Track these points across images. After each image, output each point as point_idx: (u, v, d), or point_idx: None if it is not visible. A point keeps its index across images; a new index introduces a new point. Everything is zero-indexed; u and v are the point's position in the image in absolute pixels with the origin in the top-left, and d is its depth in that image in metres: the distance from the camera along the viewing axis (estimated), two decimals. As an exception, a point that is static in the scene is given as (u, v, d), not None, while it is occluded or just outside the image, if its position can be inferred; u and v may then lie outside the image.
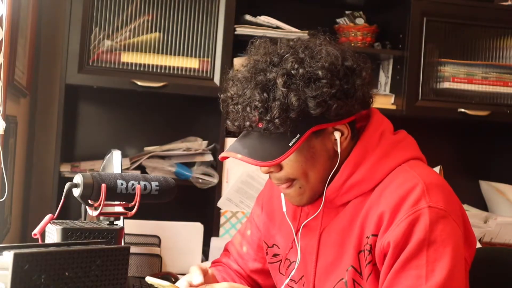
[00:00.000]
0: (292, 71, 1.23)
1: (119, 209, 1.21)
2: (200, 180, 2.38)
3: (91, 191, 1.15)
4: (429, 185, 1.21)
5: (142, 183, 1.20)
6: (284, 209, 1.41)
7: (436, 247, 1.17)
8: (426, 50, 2.46)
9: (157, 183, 1.23)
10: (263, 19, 2.42)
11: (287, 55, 1.25)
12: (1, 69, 1.58)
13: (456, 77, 2.50)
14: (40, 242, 1.15)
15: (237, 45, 2.33)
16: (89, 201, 1.17)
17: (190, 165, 2.44)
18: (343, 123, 1.27)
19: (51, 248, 0.98)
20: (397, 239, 1.18)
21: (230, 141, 2.33)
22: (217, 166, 2.40)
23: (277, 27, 2.42)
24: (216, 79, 2.32)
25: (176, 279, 1.82)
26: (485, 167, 2.85)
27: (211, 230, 2.36)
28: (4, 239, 1.96)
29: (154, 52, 2.30)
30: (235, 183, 2.36)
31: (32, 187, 2.56)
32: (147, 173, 2.35)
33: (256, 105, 1.22)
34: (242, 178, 2.36)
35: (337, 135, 1.27)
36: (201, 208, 2.53)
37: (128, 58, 2.27)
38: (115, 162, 1.55)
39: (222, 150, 2.35)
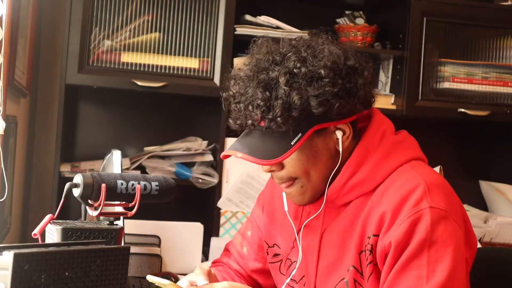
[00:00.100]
0: (295, 70, 1.23)
1: (119, 209, 1.21)
2: (200, 180, 2.38)
3: (91, 191, 1.15)
4: (430, 186, 1.22)
5: (142, 183, 1.20)
6: (286, 208, 1.41)
7: (437, 247, 1.17)
8: (426, 50, 2.46)
9: (157, 183, 1.23)
10: (263, 19, 2.42)
11: (290, 54, 1.26)
12: (1, 69, 1.58)
13: (456, 77, 2.50)
14: (40, 242, 1.15)
15: (237, 45, 2.33)
16: (89, 201, 1.17)
17: (190, 165, 2.44)
18: (345, 122, 1.27)
19: (51, 248, 0.98)
20: (398, 239, 1.18)
21: (230, 141, 2.33)
22: (217, 166, 2.40)
23: (277, 27, 2.42)
24: (216, 79, 2.32)
25: (176, 279, 1.82)
26: (485, 167, 2.85)
27: (211, 230, 2.36)
28: (4, 239, 1.96)
29: (154, 52, 2.30)
30: (235, 183, 2.36)
31: (32, 187, 2.56)
32: (147, 173, 2.35)
33: (258, 104, 1.22)
34: (242, 178, 2.36)
35: (339, 134, 1.27)
36: (201, 208, 2.53)
37: (128, 58, 2.27)
38: (115, 162, 1.55)
39: (222, 150, 2.35)
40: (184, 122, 2.63)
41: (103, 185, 1.15)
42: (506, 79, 2.55)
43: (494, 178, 2.76)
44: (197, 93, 2.34)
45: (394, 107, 2.50)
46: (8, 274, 0.91)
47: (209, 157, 2.43)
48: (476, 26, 2.53)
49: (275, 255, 1.48)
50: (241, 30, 2.35)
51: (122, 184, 1.18)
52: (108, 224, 1.19)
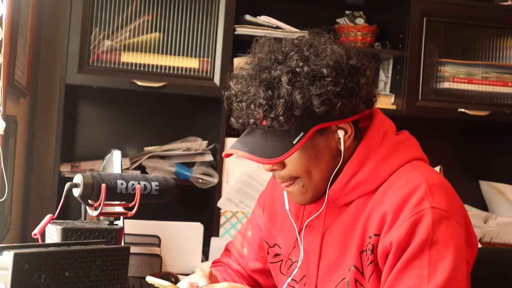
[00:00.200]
0: (297, 69, 1.23)
1: (119, 209, 1.21)
2: (200, 180, 2.38)
3: (91, 191, 1.15)
4: (432, 186, 1.22)
5: (142, 183, 1.20)
6: (287, 208, 1.41)
7: (438, 247, 1.17)
8: (426, 50, 2.46)
9: (157, 183, 1.23)
10: (263, 19, 2.42)
11: (292, 53, 1.26)
12: (1, 69, 1.58)
13: (456, 77, 2.50)
14: (40, 242, 1.15)
15: (237, 45, 2.33)
16: (89, 201, 1.17)
17: (190, 165, 2.44)
18: (347, 122, 1.27)
19: (51, 248, 0.98)
20: (399, 239, 1.18)
21: (230, 141, 2.33)
22: (217, 166, 2.40)
23: (277, 27, 2.42)
24: (216, 79, 2.32)
25: (176, 279, 1.82)
26: (485, 167, 2.85)
27: (211, 230, 2.36)
28: (4, 239, 1.96)
29: (154, 52, 2.30)
30: (235, 183, 2.36)
31: (32, 187, 2.56)
32: (147, 173, 2.35)
33: (260, 103, 1.22)
34: (242, 178, 2.36)
35: (340, 133, 1.27)
36: (201, 208, 2.53)
37: (128, 58, 2.27)
38: (115, 162, 1.55)
39: (222, 150, 2.35)
40: (184, 122, 2.63)
41: (103, 185, 1.15)
42: (506, 79, 2.55)
43: (494, 178, 2.76)
44: (197, 93, 2.34)
45: (394, 107, 2.50)
46: (8, 274, 0.91)
47: (209, 157, 2.43)
48: (476, 26, 2.53)
49: (276, 255, 1.48)
50: (241, 30, 2.35)
51: (122, 184, 1.18)
52: (108, 224, 1.19)
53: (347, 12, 2.64)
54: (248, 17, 2.41)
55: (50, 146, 2.47)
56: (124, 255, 1.03)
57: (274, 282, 1.51)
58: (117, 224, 1.20)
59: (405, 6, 2.47)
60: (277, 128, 1.22)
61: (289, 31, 2.39)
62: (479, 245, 1.39)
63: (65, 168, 2.34)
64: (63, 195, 1.15)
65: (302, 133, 1.23)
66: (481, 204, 2.77)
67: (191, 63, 2.32)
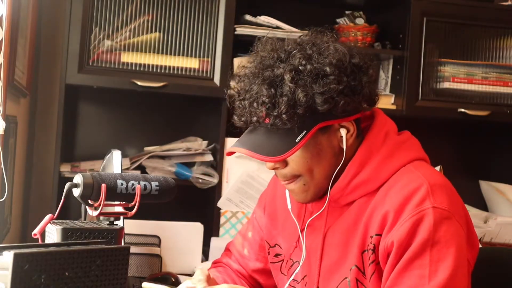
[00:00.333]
0: (300, 67, 1.23)
1: (119, 209, 1.22)
2: (200, 180, 2.38)
3: (91, 191, 1.15)
4: (433, 186, 1.22)
5: (142, 183, 1.20)
6: (289, 206, 1.41)
7: (439, 247, 1.17)
8: (426, 50, 2.46)
9: (157, 183, 1.23)
10: (263, 19, 2.42)
11: (295, 51, 1.26)
12: (1, 69, 1.58)
13: (456, 77, 2.50)
14: (40, 242, 1.15)
15: (237, 45, 2.33)
16: (89, 201, 1.17)
17: (190, 165, 2.44)
18: (349, 120, 1.28)
19: (51, 248, 0.98)
20: (401, 239, 1.18)
21: (230, 141, 2.33)
22: (217, 166, 2.40)
23: (277, 27, 2.42)
24: (216, 79, 2.32)
25: (176, 279, 1.82)
26: (485, 167, 2.85)
27: (211, 230, 2.36)
28: (4, 239, 1.96)
29: (154, 52, 2.30)
30: (235, 183, 2.36)
31: (32, 187, 2.56)
32: (147, 173, 2.35)
33: (263, 101, 1.23)
34: (242, 178, 2.36)
35: (343, 132, 1.28)
36: (201, 208, 2.53)
37: (128, 58, 2.27)
38: (115, 162, 1.55)
39: (222, 150, 2.36)
40: (184, 122, 2.62)
41: (103, 185, 1.15)
42: (506, 79, 2.54)
43: (494, 178, 2.76)
44: (197, 93, 2.34)
45: (394, 107, 2.50)
46: (8, 274, 0.91)
47: (209, 157, 2.43)
48: (476, 26, 2.53)
49: (276, 255, 1.48)
50: (241, 30, 2.35)
51: (122, 184, 1.18)
52: (108, 224, 1.19)
53: (347, 12, 2.64)
54: (248, 17, 2.41)
55: (50, 146, 2.47)
56: (124, 255, 1.03)
57: (275, 282, 1.51)
58: (117, 224, 1.20)
59: (405, 6, 2.47)
60: (279, 126, 1.22)
61: (289, 31, 2.39)
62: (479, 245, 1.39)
63: (65, 168, 2.34)
64: (63, 195, 1.15)
65: (304, 131, 1.23)
66: (481, 204, 2.77)
67: (191, 63, 2.32)
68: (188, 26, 2.32)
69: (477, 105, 2.50)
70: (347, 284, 1.27)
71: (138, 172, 2.36)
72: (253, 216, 1.59)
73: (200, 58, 2.32)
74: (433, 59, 2.50)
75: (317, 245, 1.35)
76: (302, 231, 1.39)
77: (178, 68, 2.31)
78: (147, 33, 2.30)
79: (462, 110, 2.48)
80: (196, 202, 2.51)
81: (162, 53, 2.30)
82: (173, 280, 1.82)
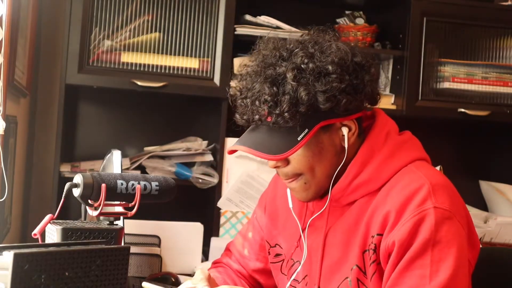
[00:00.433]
0: (302, 66, 1.23)
1: (119, 209, 1.22)
2: (200, 180, 2.38)
3: (91, 191, 1.15)
4: (435, 186, 1.22)
5: (142, 183, 1.20)
6: (291, 205, 1.41)
7: (440, 247, 1.17)
8: (426, 50, 2.46)
9: (157, 183, 1.23)
10: (263, 19, 2.42)
11: (297, 49, 1.26)
12: (1, 69, 1.58)
13: (456, 77, 2.50)
14: (40, 242, 1.15)
15: (237, 45, 2.33)
16: (89, 201, 1.17)
17: (190, 165, 2.44)
18: (351, 119, 1.28)
19: (51, 248, 0.98)
20: (402, 239, 1.18)
21: (230, 141, 2.33)
22: (217, 166, 2.40)
23: (277, 27, 2.42)
24: (216, 79, 2.32)
25: (176, 279, 1.82)
26: (485, 167, 2.85)
27: (211, 230, 2.36)
28: (4, 239, 1.96)
29: (154, 52, 2.30)
30: (235, 183, 2.36)
31: (32, 187, 2.56)
32: (147, 173, 2.35)
33: (265, 99, 1.23)
34: (242, 178, 2.36)
35: (344, 130, 1.28)
36: (201, 208, 2.53)
37: (128, 58, 2.27)
38: (115, 162, 1.55)
39: (222, 150, 2.36)
40: (184, 122, 2.62)
41: (103, 185, 1.15)
42: (506, 79, 2.54)
43: (494, 178, 2.76)
44: (197, 93, 2.34)
45: (394, 107, 2.50)
46: (8, 274, 0.91)
47: (209, 157, 2.43)
48: (476, 26, 2.53)
49: (277, 255, 1.48)
50: (241, 30, 2.35)
51: (122, 184, 1.18)
52: (108, 224, 1.19)
53: (347, 12, 2.64)
54: (248, 17, 2.41)
55: (50, 146, 2.47)
56: (124, 255, 1.03)
57: (275, 282, 1.51)
58: (117, 224, 1.20)
59: (405, 6, 2.47)
60: (282, 124, 1.22)
61: (289, 31, 2.39)
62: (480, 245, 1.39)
63: (65, 168, 2.34)
64: (63, 195, 1.15)
65: (306, 130, 1.23)
66: (481, 204, 2.77)
67: (191, 63, 2.32)
68: (188, 26, 2.32)
69: (477, 105, 2.50)
70: (348, 284, 1.27)
71: (138, 172, 2.36)
72: (253, 216, 1.59)
73: (200, 58, 2.32)
74: (433, 59, 2.50)
75: (318, 244, 1.35)
76: (303, 230, 1.39)
77: (178, 68, 2.31)
78: (147, 33, 2.30)
79: (462, 110, 2.48)
80: (196, 202, 2.51)
81: (162, 53, 2.30)
82: (173, 280, 1.82)
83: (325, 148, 1.28)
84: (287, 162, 1.29)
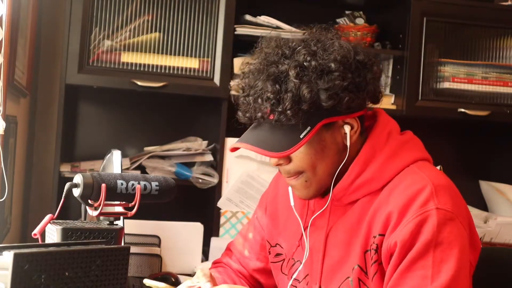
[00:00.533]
0: (305, 63, 1.23)
1: (119, 209, 1.22)
2: (200, 180, 2.38)
3: (91, 191, 1.15)
4: (437, 187, 1.22)
5: (142, 183, 1.20)
6: (292, 203, 1.41)
7: (442, 248, 1.17)
8: (426, 50, 2.46)
9: (157, 183, 1.23)
10: (263, 19, 2.42)
11: (299, 47, 1.26)
12: (1, 69, 1.58)
13: (456, 77, 2.50)
14: (40, 242, 1.15)
15: (237, 45, 2.33)
16: (89, 201, 1.17)
17: (190, 165, 2.44)
18: (353, 117, 1.28)
19: (51, 248, 0.98)
20: (404, 239, 1.18)
21: (230, 141, 2.33)
22: (217, 166, 2.40)
23: (277, 27, 2.42)
24: (216, 79, 2.31)
25: (176, 279, 1.82)
26: (485, 167, 2.85)
27: (211, 230, 2.36)
28: (4, 239, 1.96)
29: (154, 52, 2.30)
30: (235, 183, 2.36)
31: (32, 187, 2.56)
32: (147, 173, 2.35)
33: (268, 97, 1.23)
34: (242, 178, 2.36)
35: (347, 128, 1.28)
36: (201, 208, 2.53)
37: (128, 58, 2.27)
38: (115, 162, 1.55)
39: (222, 150, 2.36)
40: (184, 122, 2.62)
41: (103, 185, 1.15)
42: (506, 79, 2.54)
43: (494, 178, 2.76)
44: (197, 93, 2.34)
45: (394, 107, 2.50)
46: (8, 274, 0.91)
47: (209, 157, 2.43)
48: (476, 26, 2.53)
49: (277, 254, 1.48)
50: (241, 30, 2.35)
51: (122, 184, 1.18)
52: (108, 224, 1.19)
53: (347, 12, 2.64)
54: (248, 17, 2.41)
55: (50, 146, 2.47)
56: (124, 255, 1.03)
57: (275, 282, 1.51)
58: (117, 224, 1.20)
59: (405, 6, 2.47)
60: (284, 122, 1.23)
61: (289, 31, 2.39)
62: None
63: (65, 168, 2.34)
64: (63, 195, 1.15)
65: (309, 128, 1.23)
66: (481, 204, 2.77)
67: (191, 63, 2.32)
68: (188, 26, 2.32)
69: (477, 105, 2.50)
70: (350, 283, 1.27)
71: (138, 172, 2.36)
72: (254, 216, 1.59)
73: (200, 58, 2.32)
74: (433, 59, 2.50)
75: (319, 244, 1.35)
76: (305, 229, 1.39)
77: (178, 68, 2.31)
78: (147, 33, 2.30)
79: (462, 110, 2.48)
80: (196, 202, 2.51)
81: (162, 53, 2.30)
82: (173, 280, 1.82)
83: (327, 146, 1.28)
84: (289, 160, 1.29)
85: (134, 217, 1.21)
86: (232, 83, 2.32)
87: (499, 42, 2.57)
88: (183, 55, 2.31)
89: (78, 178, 1.15)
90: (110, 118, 2.61)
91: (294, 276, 1.40)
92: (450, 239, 1.18)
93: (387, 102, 2.52)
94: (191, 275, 1.92)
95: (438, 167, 2.39)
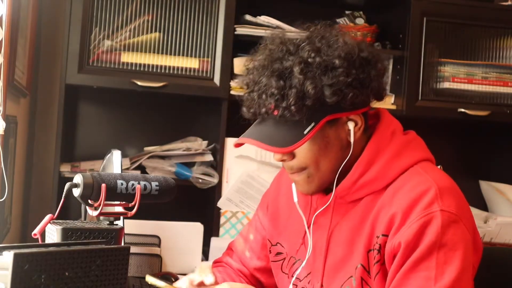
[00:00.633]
0: (309, 59, 1.24)
1: (119, 209, 1.22)
2: (200, 180, 2.38)
3: (91, 191, 1.15)
4: (442, 189, 1.22)
5: (142, 183, 1.20)
6: (296, 200, 1.41)
7: (446, 250, 1.17)
8: (426, 50, 2.46)
9: (157, 183, 1.23)
10: (263, 19, 2.42)
11: (304, 44, 1.27)
12: (1, 69, 1.58)
13: (456, 77, 2.50)
14: (40, 242, 1.15)
15: (237, 45, 2.33)
16: (89, 201, 1.17)
17: (190, 165, 2.44)
18: (357, 114, 1.28)
19: (51, 248, 0.98)
20: (408, 240, 1.18)
21: (230, 141, 2.33)
22: (217, 166, 2.40)
23: (277, 27, 2.42)
24: (216, 79, 2.31)
25: (176, 279, 1.82)
26: (485, 167, 2.85)
27: (211, 230, 2.36)
28: (4, 239, 1.96)
29: (154, 52, 2.30)
30: (235, 183, 2.36)
31: (32, 187, 2.56)
32: (147, 173, 2.35)
33: (272, 92, 1.23)
34: (242, 178, 2.36)
35: (351, 125, 1.28)
36: (201, 208, 2.53)
37: (128, 58, 2.27)
38: (115, 162, 1.55)
39: (222, 150, 2.36)
40: (184, 122, 2.62)
41: (103, 185, 1.15)
42: (506, 79, 2.54)
43: (494, 178, 2.76)
44: (197, 93, 2.34)
45: (394, 107, 2.50)
46: (8, 274, 0.91)
47: (209, 157, 2.43)
48: (476, 26, 2.53)
49: (278, 253, 1.48)
50: (241, 30, 2.35)
51: (122, 184, 1.18)
52: (108, 224, 1.19)
53: (347, 12, 2.64)
54: (248, 17, 2.41)
55: (50, 146, 2.47)
56: (124, 255, 1.03)
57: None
58: (117, 224, 1.20)
59: (405, 6, 2.47)
60: (288, 117, 1.23)
61: (289, 31, 2.39)
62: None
63: (65, 168, 2.34)
64: (63, 195, 1.15)
65: (313, 124, 1.23)
66: (481, 204, 2.77)
67: (191, 63, 2.32)
68: (188, 26, 2.32)
69: (477, 105, 2.50)
70: (352, 282, 1.27)
71: (138, 172, 2.36)
72: (255, 215, 1.60)
73: (200, 58, 2.32)
74: (433, 59, 2.50)
75: (322, 242, 1.35)
76: (309, 226, 1.39)
77: (178, 68, 2.31)
78: (147, 33, 2.30)
79: (462, 110, 2.48)
80: (196, 202, 2.51)
81: (162, 53, 2.30)
82: (173, 280, 1.81)
83: (331, 142, 1.28)
84: (292, 155, 1.29)
85: (134, 217, 1.21)
86: (232, 83, 2.32)
87: (499, 42, 2.57)
88: (183, 55, 2.31)
89: (78, 178, 1.15)
90: (110, 118, 2.61)
91: (295, 275, 1.40)
92: (454, 241, 1.18)
93: (387, 102, 2.51)
94: (191, 275, 1.91)
95: (438, 167, 2.39)
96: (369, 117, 1.35)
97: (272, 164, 2.35)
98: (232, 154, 2.33)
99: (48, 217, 1.16)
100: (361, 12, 2.63)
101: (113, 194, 1.17)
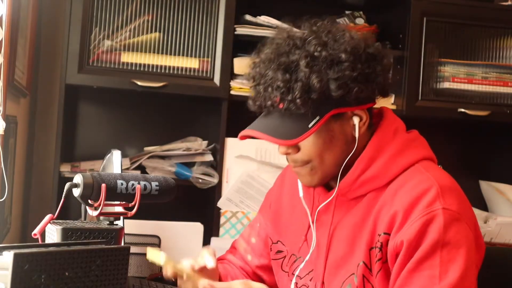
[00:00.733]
0: (315, 53, 1.25)
1: (119, 209, 1.22)
2: (200, 180, 2.38)
3: (91, 191, 1.15)
4: (443, 188, 1.22)
5: (142, 183, 1.20)
6: (301, 194, 1.41)
7: (449, 248, 1.17)
8: (426, 50, 2.46)
9: (157, 183, 1.23)
10: (263, 19, 2.42)
11: (310, 38, 1.28)
12: (1, 69, 1.58)
13: (456, 77, 2.50)
14: (40, 242, 1.15)
15: (237, 45, 2.33)
16: (89, 201, 1.17)
17: (190, 165, 2.44)
18: (362, 109, 1.28)
19: (51, 248, 0.98)
20: (410, 238, 1.18)
21: (230, 141, 2.33)
22: (217, 166, 2.40)
23: (277, 27, 2.41)
24: (216, 79, 2.31)
25: (176, 279, 1.82)
26: (485, 167, 2.85)
27: (211, 230, 2.36)
28: (4, 239, 1.96)
29: (154, 52, 2.30)
30: (235, 183, 2.36)
31: (32, 187, 2.56)
32: (147, 173, 2.35)
33: (278, 85, 1.24)
34: (242, 178, 2.36)
35: (355, 120, 1.29)
36: (201, 208, 2.53)
37: (128, 58, 2.27)
38: (115, 162, 1.55)
39: (222, 150, 2.36)
40: (184, 122, 2.62)
41: (103, 185, 1.15)
42: (506, 79, 2.54)
43: (494, 178, 2.76)
44: (197, 93, 2.34)
45: (394, 107, 2.50)
46: (8, 274, 0.91)
47: (209, 157, 2.43)
48: (476, 26, 2.53)
49: (278, 251, 1.48)
50: (241, 30, 2.35)
51: (122, 184, 1.18)
52: (108, 224, 1.19)
53: (347, 12, 2.64)
54: (248, 17, 2.41)
55: (50, 146, 2.47)
56: (124, 255, 1.03)
57: (279, 279, 1.52)
58: (117, 224, 1.20)
59: (405, 6, 2.46)
60: (293, 111, 1.24)
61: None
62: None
63: (65, 168, 2.34)
64: (63, 195, 1.15)
65: (318, 117, 1.24)
66: (481, 204, 2.77)
67: (191, 63, 2.32)
68: (188, 26, 2.32)
69: (477, 105, 2.50)
70: (354, 280, 1.27)
71: (138, 172, 2.36)
72: (258, 213, 1.61)
73: (200, 58, 2.32)
74: (433, 59, 2.50)
75: (324, 239, 1.35)
76: (312, 223, 1.39)
77: (178, 68, 2.30)
78: (147, 33, 2.30)
79: (462, 110, 2.48)
80: (196, 202, 2.51)
81: (162, 53, 2.30)
82: (173, 280, 1.81)
83: (335, 137, 1.29)
84: (297, 148, 1.30)
85: (134, 217, 1.21)
86: (232, 83, 2.32)
87: (499, 42, 2.57)
88: (183, 55, 2.31)
89: (78, 178, 1.15)
90: (110, 118, 2.61)
91: (297, 273, 1.40)
92: (457, 239, 1.18)
93: (387, 102, 2.51)
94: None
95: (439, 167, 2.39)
96: (373, 115, 1.36)
97: (272, 164, 2.35)
98: (232, 154, 2.33)
99: (48, 217, 1.16)
100: (361, 12, 2.62)
101: (113, 194, 1.17)
